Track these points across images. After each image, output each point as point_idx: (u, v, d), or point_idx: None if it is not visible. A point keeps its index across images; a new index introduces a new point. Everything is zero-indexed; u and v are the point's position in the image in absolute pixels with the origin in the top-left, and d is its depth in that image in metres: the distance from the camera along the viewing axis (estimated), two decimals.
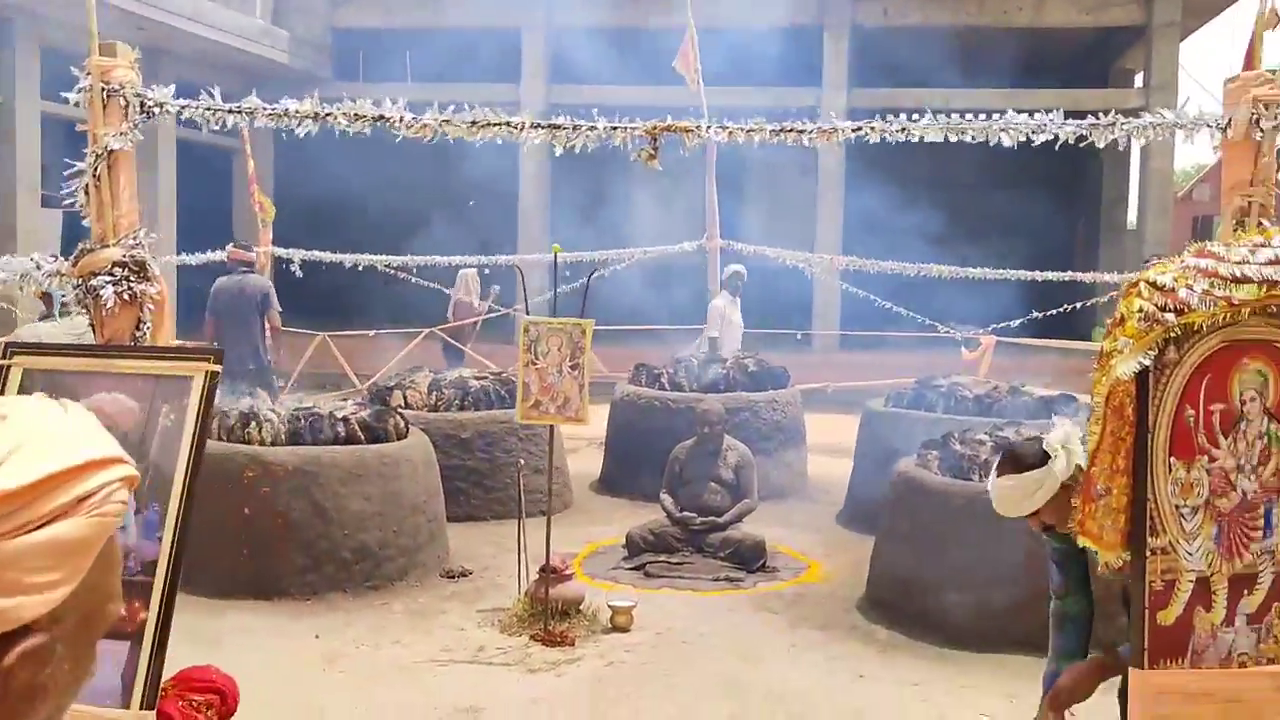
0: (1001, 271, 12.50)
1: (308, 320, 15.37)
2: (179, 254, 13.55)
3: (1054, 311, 12.33)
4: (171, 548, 2.73)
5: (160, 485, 2.78)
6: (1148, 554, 2.90)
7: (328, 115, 3.00)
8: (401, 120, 3.00)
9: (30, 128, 14.15)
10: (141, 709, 2.64)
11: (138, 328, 3.04)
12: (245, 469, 6.74)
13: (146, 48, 11.45)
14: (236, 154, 14.67)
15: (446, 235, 14.35)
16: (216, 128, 3.32)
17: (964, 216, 16.26)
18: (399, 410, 8.08)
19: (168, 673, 2.90)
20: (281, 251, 13.22)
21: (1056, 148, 3.21)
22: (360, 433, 7.12)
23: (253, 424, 7.00)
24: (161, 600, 2.71)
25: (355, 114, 3.01)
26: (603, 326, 13.88)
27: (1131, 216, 19.95)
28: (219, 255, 12.69)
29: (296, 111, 3.01)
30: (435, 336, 14.58)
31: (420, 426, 8.03)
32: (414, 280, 13.71)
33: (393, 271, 13.14)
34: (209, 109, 3.02)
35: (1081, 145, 3.31)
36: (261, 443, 6.93)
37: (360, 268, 13.27)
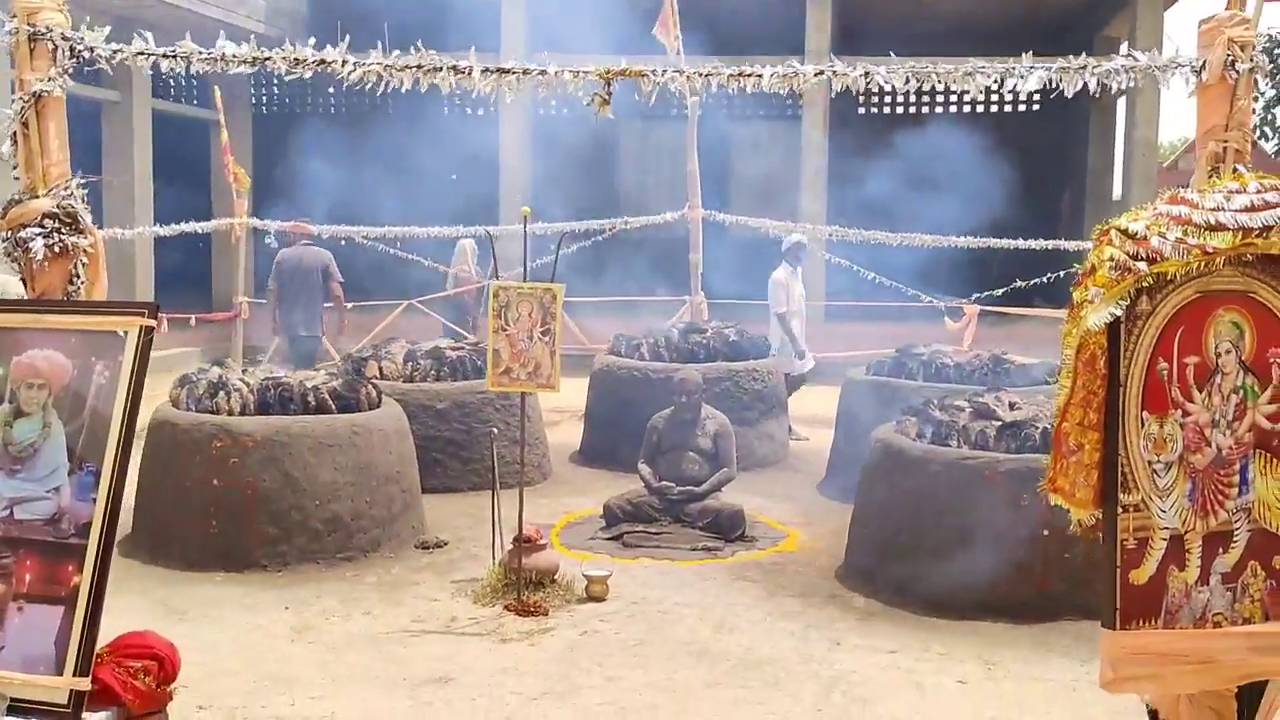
0: (985, 240, 12.43)
1: None
2: (156, 225, 13.40)
3: (1038, 280, 12.25)
4: (106, 509, 2.62)
5: (95, 445, 2.67)
6: (1119, 511, 2.82)
7: (266, 59, 2.88)
8: (343, 64, 2.89)
9: None
10: (75, 675, 2.54)
11: (71, 282, 2.93)
12: (214, 439, 6.64)
13: (118, 16, 11.29)
14: (214, 126, 14.45)
15: (427, 208, 14.19)
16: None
17: (949, 187, 16.14)
18: (373, 381, 7.96)
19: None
20: (257, 223, 13.07)
21: (1029, 100, 3.10)
22: (331, 402, 7.01)
23: (221, 394, 6.89)
24: (95, 563, 2.60)
25: (295, 58, 2.89)
26: (583, 299, 13.85)
27: (1117, 187, 19.85)
28: (196, 226, 12.55)
29: (234, 56, 2.89)
30: (415, 309, 14.46)
31: (396, 397, 7.93)
32: (393, 252, 13.58)
33: (370, 243, 13.02)
34: (141, 53, 2.89)
35: (1051, 97, 3.20)
36: (230, 412, 6.82)
37: (341, 240, 13.14)
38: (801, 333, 11.15)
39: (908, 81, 2.94)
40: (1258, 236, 2.74)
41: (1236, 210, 2.73)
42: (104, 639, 2.79)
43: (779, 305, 10.99)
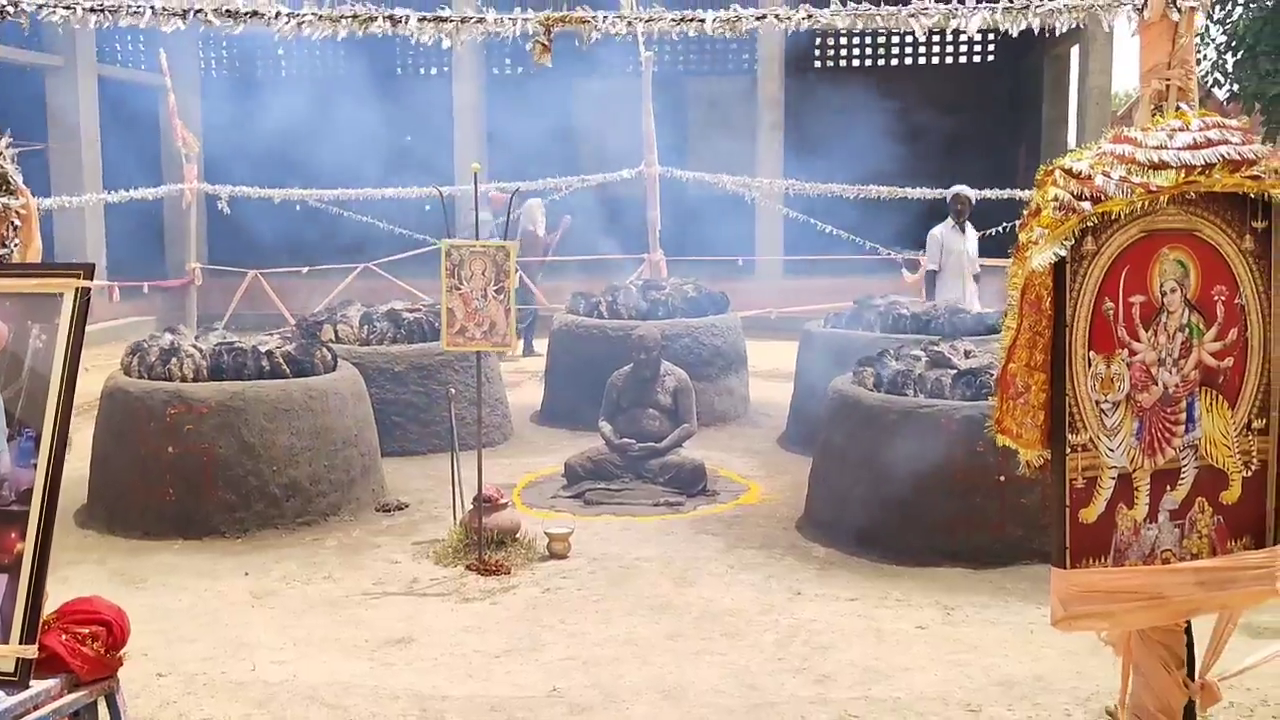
0: (941, 192, 12.44)
1: (240, 259, 15.07)
2: (105, 192, 13.17)
3: (995, 231, 12.30)
4: (47, 474, 2.58)
5: (34, 410, 2.62)
6: (1068, 451, 2.84)
7: (198, 12, 2.81)
8: (276, 16, 2.82)
9: None
10: (21, 643, 2.51)
11: (2, 245, 2.86)
12: (168, 406, 6.56)
13: None
14: (161, 90, 14.20)
15: (382, 170, 14.04)
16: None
17: (906, 140, 16.14)
18: (328, 344, 7.89)
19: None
20: (209, 188, 12.90)
21: (984, 51, 3.09)
22: (286, 366, 6.94)
23: (173, 360, 6.80)
24: (39, 529, 2.56)
25: (227, 10, 2.82)
26: (540, 258, 13.76)
27: (1073, 137, 19.94)
28: (146, 193, 12.35)
29: (164, 9, 2.81)
30: (371, 272, 14.33)
31: (352, 360, 7.86)
32: (347, 215, 13.44)
33: (323, 206, 12.87)
34: (69, 8, 2.80)
35: (1002, 40, 3.19)
36: (183, 379, 6.74)
37: (296, 205, 12.99)
38: (964, 292, 10.17)
39: (850, 24, 2.91)
40: (1200, 174, 2.75)
41: (1179, 148, 2.74)
42: (47, 606, 2.75)
43: (931, 262, 10.31)
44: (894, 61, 21.40)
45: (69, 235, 14.46)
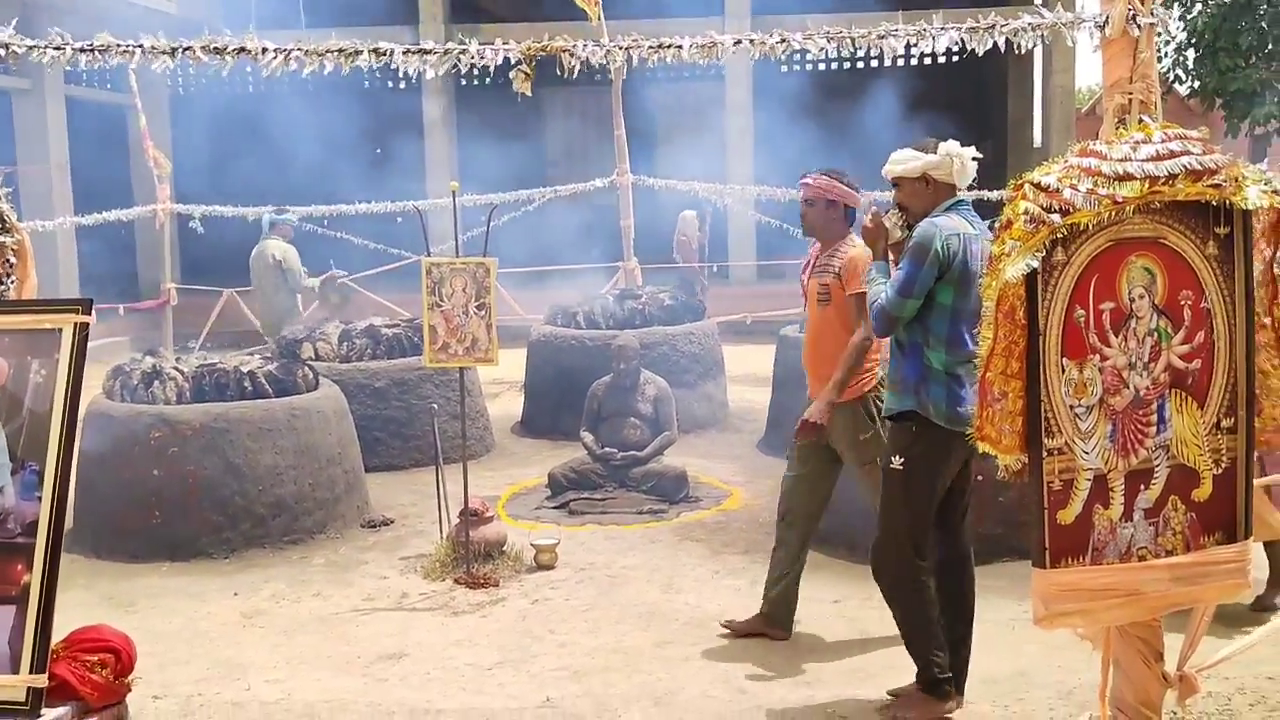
0: None
1: (213, 278, 15.04)
2: (76, 215, 13.15)
3: None
4: (51, 507, 2.63)
5: (36, 445, 2.67)
6: (1044, 455, 2.93)
7: (185, 49, 2.87)
8: (264, 52, 2.89)
9: None
10: (32, 673, 2.56)
11: (0, 281, 2.91)
12: (151, 430, 6.59)
13: (29, 4, 10.94)
14: (130, 110, 14.17)
15: (353, 185, 14.05)
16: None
17: (874, 143, 16.31)
18: (309, 362, 7.93)
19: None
20: (181, 208, 12.87)
21: (949, 57, 3.18)
22: (268, 386, 6.98)
23: (155, 383, 6.82)
24: (45, 561, 2.61)
25: (215, 48, 2.88)
26: (515, 269, 13.82)
27: (1038, 135, 20.15)
28: (118, 214, 12.33)
29: (153, 48, 2.88)
30: (346, 287, 14.31)
31: (333, 378, 7.90)
32: (321, 231, 13.44)
33: (298, 223, 12.84)
34: (59, 48, 2.86)
35: (970, 60, 3.29)
36: (166, 401, 6.77)
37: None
38: None
39: (823, 47, 3.00)
40: (1164, 184, 2.85)
41: (1143, 160, 2.84)
42: (54, 635, 2.80)
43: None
44: (859, 65, 21.56)
45: (40, 258, 14.20)
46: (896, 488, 4.25)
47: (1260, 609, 5.12)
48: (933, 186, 4.21)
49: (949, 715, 4.27)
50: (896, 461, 4.22)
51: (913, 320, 4.14)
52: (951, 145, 4.18)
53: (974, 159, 4.17)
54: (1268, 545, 5.09)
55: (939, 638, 4.29)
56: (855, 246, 4.95)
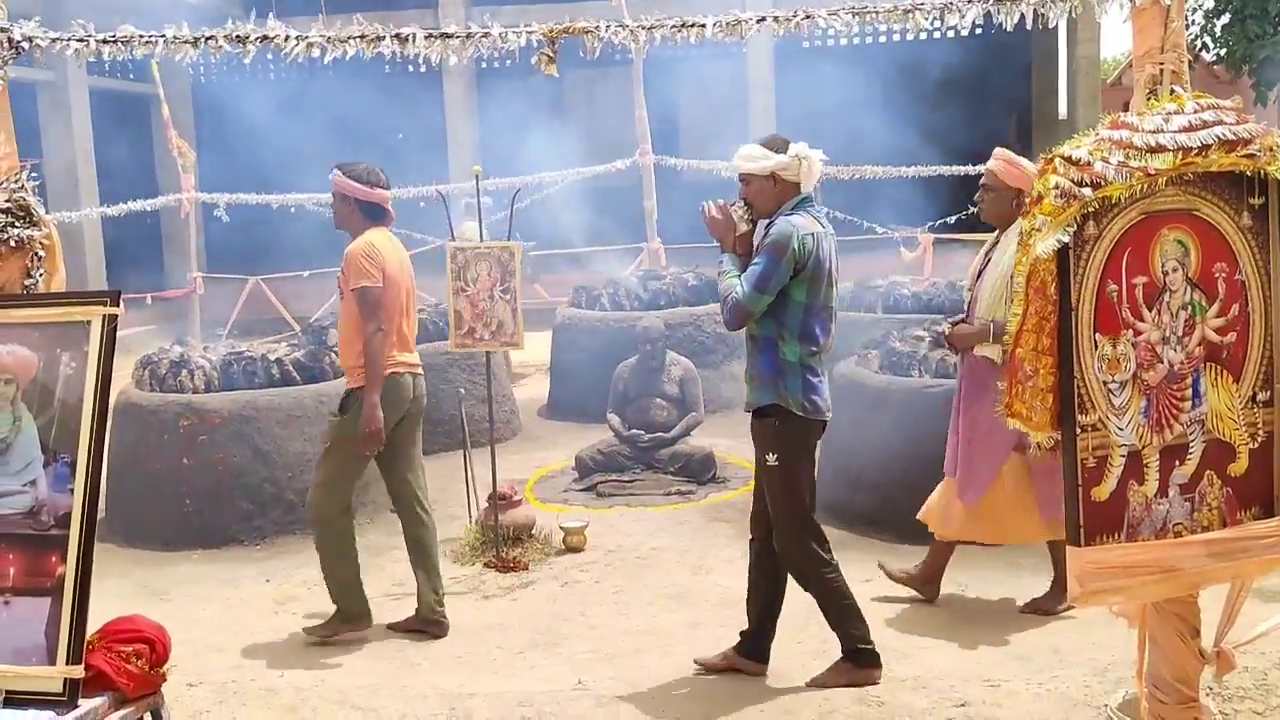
0: (935, 168, 12.49)
1: (240, 265, 15.11)
2: (102, 205, 13.21)
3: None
4: (84, 498, 2.64)
5: (67, 436, 2.68)
6: (1078, 432, 2.90)
7: (208, 39, 2.87)
8: (286, 39, 2.88)
9: None
10: (68, 664, 2.58)
11: (29, 275, 2.92)
12: (180, 418, 6.63)
13: None
14: (154, 100, 14.22)
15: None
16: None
17: (898, 118, 16.17)
18: (335, 349, 7.93)
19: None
20: (206, 196, 12.91)
21: (972, 30, 3.15)
22: (295, 373, 7.01)
23: (184, 372, 6.86)
24: (79, 552, 2.62)
25: (238, 36, 2.88)
26: (539, 252, 13.80)
27: (1063, 107, 19.96)
28: (144, 204, 12.39)
29: (176, 37, 2.88)
30: None
31: None
32: None
33: (320, 209, 12.88)
34: (82, 40, 2.86)
35: (994, 32, 3.25)
36: (195, 390, 6.80)
37: (292, 209, 13.02)
38: None
39: (848, 23, 2.97)
40: (1197, 155, 2.80)
41: (1175, 131, 2.80)
42: (89, 625, 2.82)
43: None
44: (882, 39, 21.39)
45: (67, 249, 14.40)
46: (778, 483, 4.37)
47: None
48: (779, 185, 4.29)
49: (875, 681, 4.40)
50: (772, 459, 4.34)
51: (765, 315, 4.24)
52: (801, 147, 4.27)
53: (821, 160, 4.28)
54: None
55: (857, 611, 4.46)
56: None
